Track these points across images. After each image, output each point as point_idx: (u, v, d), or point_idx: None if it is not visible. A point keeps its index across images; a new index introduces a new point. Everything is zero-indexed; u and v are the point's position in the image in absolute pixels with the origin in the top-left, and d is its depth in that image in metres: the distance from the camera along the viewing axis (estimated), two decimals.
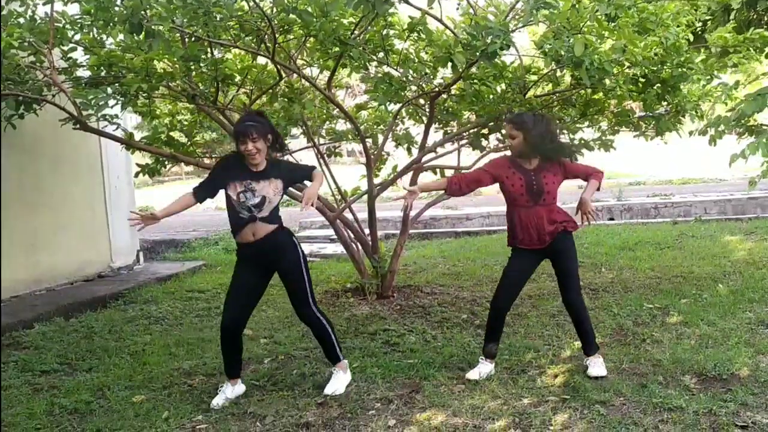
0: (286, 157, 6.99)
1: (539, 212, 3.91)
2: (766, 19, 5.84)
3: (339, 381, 3.96)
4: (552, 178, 3.94)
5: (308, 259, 7.01)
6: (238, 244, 3.89)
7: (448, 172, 6.76)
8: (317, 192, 3.90)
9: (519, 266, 4.08)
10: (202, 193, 3.90)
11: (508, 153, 4.11)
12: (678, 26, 4.83)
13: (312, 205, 3.75)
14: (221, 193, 3.91)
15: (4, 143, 5.73)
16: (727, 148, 6.72)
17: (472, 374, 4.03)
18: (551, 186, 3.93)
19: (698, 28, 5.87)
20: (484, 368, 4.08)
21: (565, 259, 4.02)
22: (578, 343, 4.55)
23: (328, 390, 3.91)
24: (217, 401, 3.84)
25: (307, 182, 4.05)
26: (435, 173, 6.73)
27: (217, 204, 9.79)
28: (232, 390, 3.92)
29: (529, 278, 4.22)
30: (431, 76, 5.31)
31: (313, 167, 4.14)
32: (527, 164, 3.94)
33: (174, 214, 3.93)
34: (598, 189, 4.11)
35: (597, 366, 3.98)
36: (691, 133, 6.32)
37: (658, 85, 5.12)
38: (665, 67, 4.96)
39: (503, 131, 4.00)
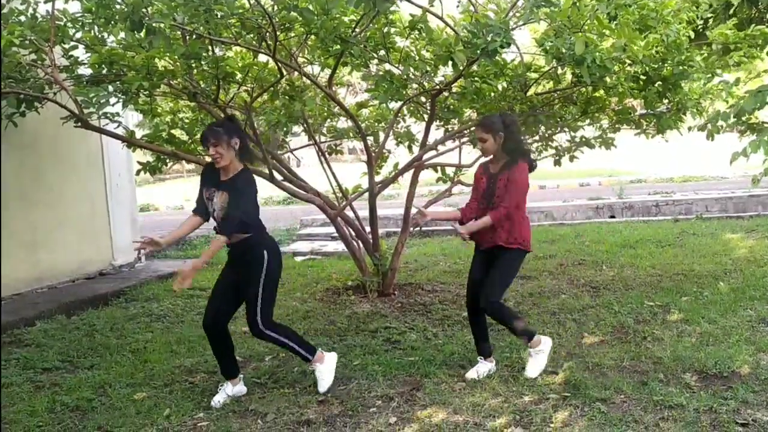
0: (285, 156, 7.04)
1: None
2: (767, 16, 5.83)
3: (323, 375, 3.94)
4: (503, 183, 3.93)
5: (310, 256, 6.99)
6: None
7: (450, 172, 6.79)
8: (194, 271, 3.63)
9: (475, 263, 4.13)
10: (201, 209, 3.87)
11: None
12: (679, 23, 4.82)
13: (184, 286, 3.60)
14: None
15: (4, 141, 5.73)
16: (728, 145, 6.71)
17: (471, 374, 4.04)
18: (501, 190, 3.91)
19: (699, 26, 5.86)
20: (482, 367, 4.08)
21: (495, 267, 3.99)
22: (579, 341, 4.56)
23: (322, 389, 3.90)
24: (218, 399, 3.84)
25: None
26: (436, 171, 6.74)
27: None
28: (232, 389, 3.92)
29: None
30: (432, 74, 5.31)
31: (232, 227, 3.70)
32: (493, 168, 4.02)
33: (180, 238, 3.89)
34: (485, 225, 3.92)
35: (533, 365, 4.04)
36: (690, 128, 6.30)
37: (659, 82, 5.11)
38: (666, 64, 4.95)
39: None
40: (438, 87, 5.51)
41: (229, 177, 3.75)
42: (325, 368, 3.97)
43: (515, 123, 4.06)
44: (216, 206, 3.76)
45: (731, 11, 5.95)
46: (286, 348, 3.94)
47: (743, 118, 6.16)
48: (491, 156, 4.02)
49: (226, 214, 3.71)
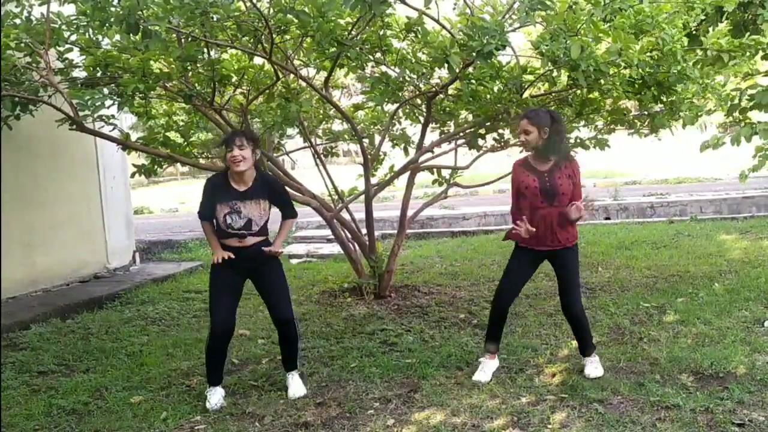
0: (281, 158, 7.03)
1: (553, 213, 3.84)
2: (759, 21, 5.86)
3: (300, 383, 4.01)
4: (566, 180, 3.85)
5: (306, 259, 7.13)
6: (225, 247, 3.84)
7: (445, 174, 6.80)
8: (281, 243, 3.96)
9: (520, 265, 4.05)
10: (210, 214, 3.88)
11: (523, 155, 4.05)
12: (674, 28, 4.84)
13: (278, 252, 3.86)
14: None
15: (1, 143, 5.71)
16: (722, 148, 6.76)
17: (481, 376, 3.99)
18: (567, 187, 3.84)
19: (693, 29, 5.88)
20: (488, 366, 4.05)
21: (566, 269, 4.01)
22: (575, 342, 4.57)
23: (298, 393, 3.93)
24: (216, 402, 3.83)
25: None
26: (432, 173, 6.75)
27: None
28: (222, 391, 3.94)
29: (530, 278, 4.23)
30: (428, 76, 5.32)
31: (294, 213, 4.08)
32: (540, 166, 3.88)
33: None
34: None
35: (593, 366, 4.00)
36: (684, 125, 6.31)
37: (654, 86, 5.13)
38: (661, 69, 4.97)
39: (516, 128, 3.91)
40: (434, 89, 5.52)
41: (250, 185, 3.79)
42: (301, 381, 4.04)
43: (561, 119, 3.99)
44: (252, 216, 3.77)
45: (722, 15, 5.97)
46: (295, 342, 4.02)
47: (734, 115, 6.20)
48: (529, 152, 3.91)
49: (288, 209, 4.01)
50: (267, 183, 3.89)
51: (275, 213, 3.98)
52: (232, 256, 3.77)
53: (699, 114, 5.92)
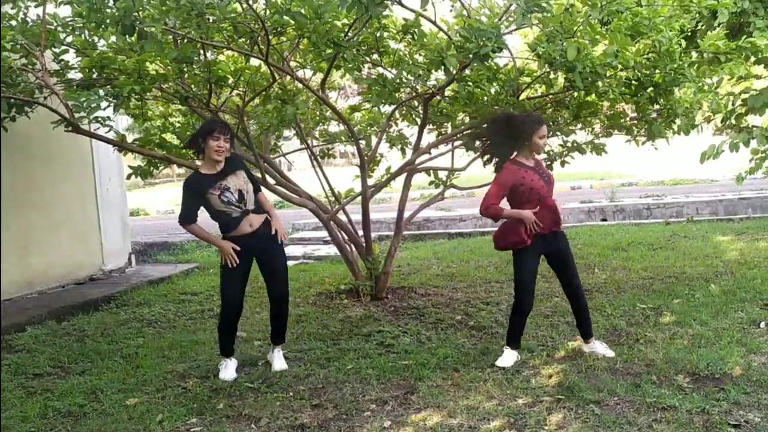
0: (277, 160, 7.04)
1: (551, 201, 4.22)
2: (751, 28, 5.88)
3: (283, 359, 4.44)
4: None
5: (302, 260, 7.31)
6: (233, 239, 4.15)
7: (442, 176, 6.80)
8: (279, 221, 4.34)
9: (531, 266, 4.24)
10: (193, 215, 4.22)
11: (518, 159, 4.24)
12: (671, 31, 4.85)
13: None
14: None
15: None
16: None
17: (506, 361, 4.23)
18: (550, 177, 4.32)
19: (689, 31, 5.90)
20: (511, 355, 4.29)
21: (566, 252, 4.34)
22: (572, 344, 4.58)
23: (282, 367, 4.34)
24: (231, 374, 4.23)
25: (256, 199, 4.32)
26: (428, 175, 6.75)
27: None
28: (235, 362, 4.34)
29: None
30: (425, 78, 5.32)
31: (258, 186, 4.40)
32: (529, 162, 4.22)
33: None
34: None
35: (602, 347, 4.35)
36: (677, 132, 6.33)
37: (651, 88, 5.14)
38: (658, 70, 4.98)
39: (540, 133, 4.17)
40: (431, 91, 5.52)
41: (222, 166, 4.13)
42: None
43: None
44: (240, 187, 4.12)
45: (717, 21, 6.00)
46: (284, 320, 4.45)
47: (729, 121, 6.22)
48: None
49: (255, 181, 4.33)
50: (233, 158, 4.22)
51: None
52: (238, 248, 4.11)
53: (694, 125, 5.95)
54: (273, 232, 4.22)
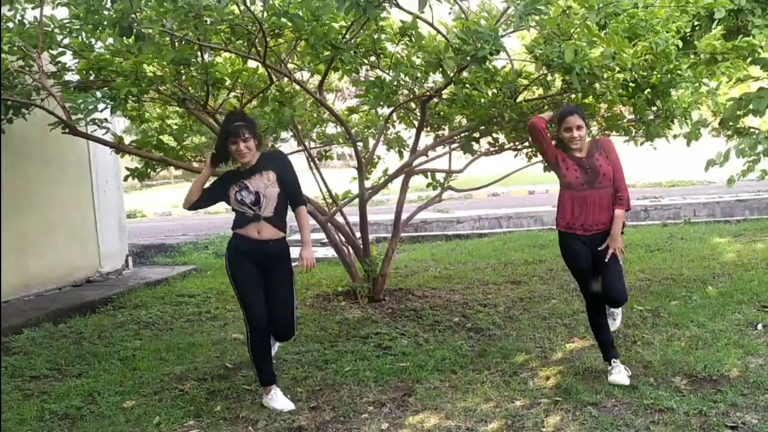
0: None
1: (593, 196, 3.89)
2: (749, 27, 5.89)
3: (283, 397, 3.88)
4: (603, 161, 3.91)
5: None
6: (240, 237, 3.75)
7: (440, 178, 6.80)
8: (311, 250, 3.77)
9: (584, 257, 3.97)
10: (207, 196, 3.84)
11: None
12: (668, 32, 4.86)
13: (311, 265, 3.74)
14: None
15: None
16: (714, 150, 6.79)
17: (621, 378, 3.85)
18: (606, 169, 3.90)
19: (687, 34, 5.91)
20: (621, 370, 3.91)
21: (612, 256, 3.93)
22: (570, 345, 4.58)
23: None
24: (284, 404, 3.77)
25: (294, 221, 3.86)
26: (426, 177, 6.75)
27: (207, 210, 9.84)
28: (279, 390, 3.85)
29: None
30: (422, 80, 5.32)
31: (302, 199, 3.91)
32: (578, 154, 3.92)
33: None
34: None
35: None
36: (675, 136, 6.36)
37: (648, 90, 5.15)
38: (655, 72, 4.99)
39: (566, 125, 3.86)
40: (428, 93, 5.52)
41: (256, 163, 3.72)
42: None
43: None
44: (259, 189, 3.67)
45: (715, 22, 6.01)
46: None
47: (730, 123, 6.23)
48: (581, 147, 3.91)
49: (294, 190, 3.77)
50: (271, 156, 3.85)
51: (288, 216, 3.84)
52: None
53: (698, 135, 5.97)
54: (286, 250, 3.78)
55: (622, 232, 3.96)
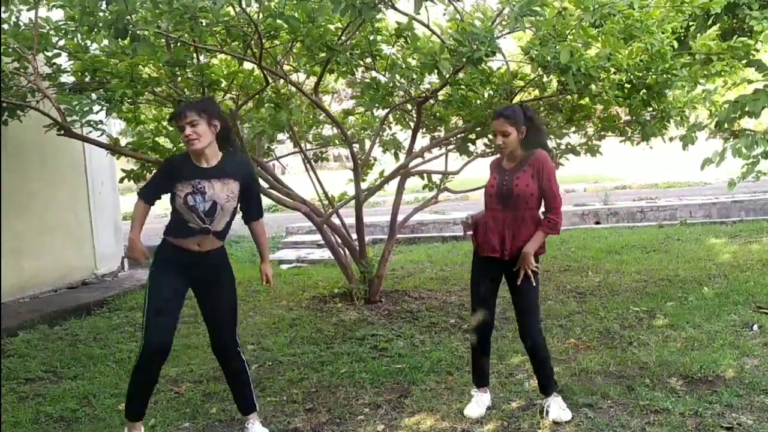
0: (271, 163, 7.01)
1: (506, 217, 3.41)
2: (746, 26, 5.92)
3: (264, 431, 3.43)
4: (527, 179, 3.35)
5: (296, 264, 7.01)
6: (174, 248, 3.26)
7: (436, 179, 6.80)
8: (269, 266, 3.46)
9: (482, 278, 3.63)
10: (153, 195, 3.38)
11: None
12: (663, 33, 4.87)
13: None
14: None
15: None
16: (710, 152, 6.81)
17: (473, 411, 3.52)
18: (522, 188, 3.35)
19: (682, 34, 5.93)
20: (482, 399, 3.60)
21: (524, 281, 3.42)
22: (565, 346, 4.58)
23: None
24: None
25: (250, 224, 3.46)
26: (422, 178, 6.75)
27: None
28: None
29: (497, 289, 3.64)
30: (418, 82, 5.33)
31: (261, 212, 3.45)
32: (507, 164, 3.46)
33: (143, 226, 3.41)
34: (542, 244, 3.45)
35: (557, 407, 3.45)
36: (671, 139, 6.38)
37: (644, 90, 5.17)
38: (650, 73, 5.00)
39: (493, 129, 3.43)
40: (424, 95, 5.53)
41: (215, 164, 3.18)
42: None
43: (536, 115, 3.57)
44: (217, 198, 3.14)
45: (710, 21, 6.04)
46: (244, 377, 3.42)
47: (725, 126, 6.25)
48: (510, 153, 3.42)
49: (256, 206, 3.35)
50: (239, 163, 3.29)
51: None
52: (147, 255, 3.21)
53: (694, 139, 5.99)
54: (225, 258, 3.37)
55: (537, 258, 3.42)
